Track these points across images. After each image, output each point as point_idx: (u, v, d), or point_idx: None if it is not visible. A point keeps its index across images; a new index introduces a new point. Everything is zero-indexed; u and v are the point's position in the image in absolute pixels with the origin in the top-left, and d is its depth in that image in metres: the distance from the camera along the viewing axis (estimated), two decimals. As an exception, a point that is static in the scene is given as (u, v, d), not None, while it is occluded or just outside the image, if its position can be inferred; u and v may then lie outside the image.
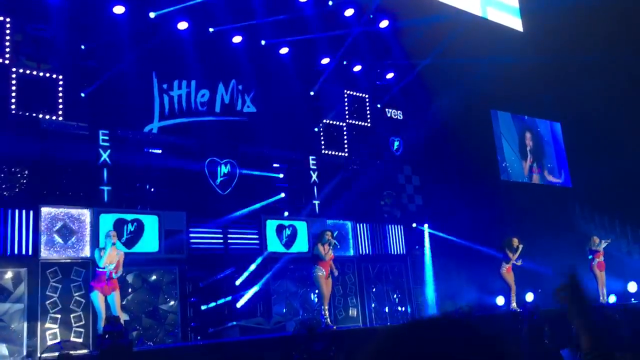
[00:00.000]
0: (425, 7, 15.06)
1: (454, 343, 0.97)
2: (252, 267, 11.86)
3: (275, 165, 13.14)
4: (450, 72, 14.42)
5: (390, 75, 15.51)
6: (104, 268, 8.84)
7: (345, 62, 14.62)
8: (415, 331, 1.01)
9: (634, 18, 16.96)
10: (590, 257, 13.29)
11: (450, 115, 14.95)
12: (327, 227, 12.35)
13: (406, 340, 0.99)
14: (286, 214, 12.87)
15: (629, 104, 17.18)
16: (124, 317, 9.01)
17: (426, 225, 14.77)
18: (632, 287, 13.70)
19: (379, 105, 15.39)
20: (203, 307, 11.21)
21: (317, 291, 11.60)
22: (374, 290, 13.66)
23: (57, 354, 7.56)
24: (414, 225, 14.75)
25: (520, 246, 12.41)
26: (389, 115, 15.69)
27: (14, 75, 10.01)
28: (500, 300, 13.64)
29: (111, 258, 8.88)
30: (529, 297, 13.29)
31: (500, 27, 17.90)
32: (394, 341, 1.00)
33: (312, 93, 14.12)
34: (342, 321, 12.75)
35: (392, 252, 14.30)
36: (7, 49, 10.02)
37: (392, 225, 14.54)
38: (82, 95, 10.67)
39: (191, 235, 11.33)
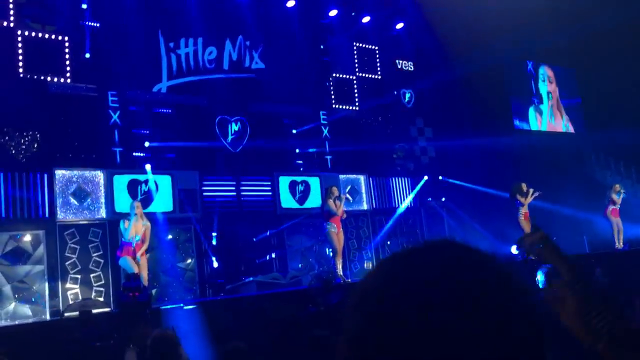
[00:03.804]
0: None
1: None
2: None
3: (286, 121, 13.05)
4: (461, 20, 14.07)
5: (400, 26, 15.19)
6: (129, 240, 8.82)
7: (353, 14, 14.33)
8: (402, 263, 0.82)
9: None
10: (607, 202, 13.23)
11: (462, 64, 14.66)
12: (333, 184, 12.28)
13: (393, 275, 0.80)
14: (301, 169, 12.86)
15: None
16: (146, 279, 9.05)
17: (440, 178, 14.70)
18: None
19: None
20: (220, 264, 11.34)
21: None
22: (388, 243, 13.70)
23: (78, 312, 7.69)
24: (440, 177, 14.68)
25: (531, 190, 12.31)
26: (399, 67, 15.44)
27: (19, 38, 9.92)
28: (515, 250, 13.63)
29: (137, 229, 8.83)
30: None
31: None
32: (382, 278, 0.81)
33: (321, 47, 13.89)
34: (358, 274, 12.85)
35: (406, 205, 14.26)
36: (11, 11, 9.91)
37: (405, 178, 14.48)
38: (87, 56, 10.58)
39: (205, 193, 11.37)
